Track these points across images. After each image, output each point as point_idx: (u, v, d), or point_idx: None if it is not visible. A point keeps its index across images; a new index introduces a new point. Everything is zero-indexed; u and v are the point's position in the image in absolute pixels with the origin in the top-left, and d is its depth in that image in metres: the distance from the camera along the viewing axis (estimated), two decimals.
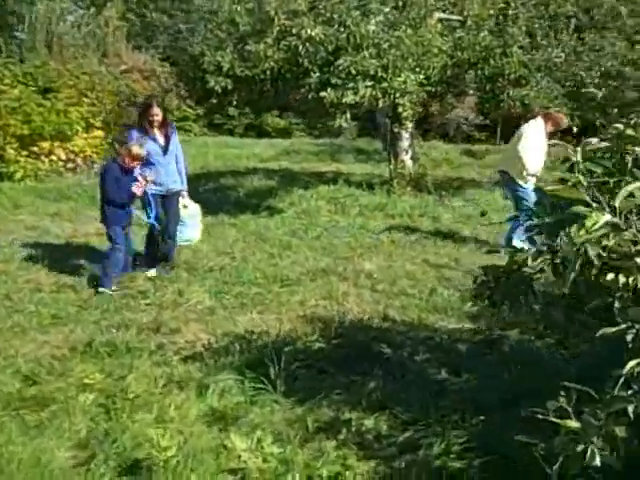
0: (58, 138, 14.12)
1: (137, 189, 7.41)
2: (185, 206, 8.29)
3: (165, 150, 7.96)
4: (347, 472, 3.62)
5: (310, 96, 10.63)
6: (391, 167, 13.54)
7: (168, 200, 8.04)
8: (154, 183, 7.75)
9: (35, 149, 14.02)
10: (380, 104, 10.59)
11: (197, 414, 4.22)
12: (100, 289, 7.15)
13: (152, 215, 7.91)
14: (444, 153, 21.15)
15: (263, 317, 6.52)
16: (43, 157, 14.10)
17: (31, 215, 11.25)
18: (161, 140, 7.99)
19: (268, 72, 11.16)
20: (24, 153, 13.94)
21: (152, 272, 7.91)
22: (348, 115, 10.55)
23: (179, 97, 26.94)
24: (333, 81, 10.27)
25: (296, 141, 27.62)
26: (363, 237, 10.13)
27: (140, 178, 7.47)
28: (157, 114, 7.89)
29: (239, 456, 3.65)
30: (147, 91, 20.42)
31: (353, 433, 4.08)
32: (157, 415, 4.28)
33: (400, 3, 11.68)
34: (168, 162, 7.97)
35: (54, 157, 14.24)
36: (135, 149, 7.53)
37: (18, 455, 3.70)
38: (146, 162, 7.73)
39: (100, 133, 15.01)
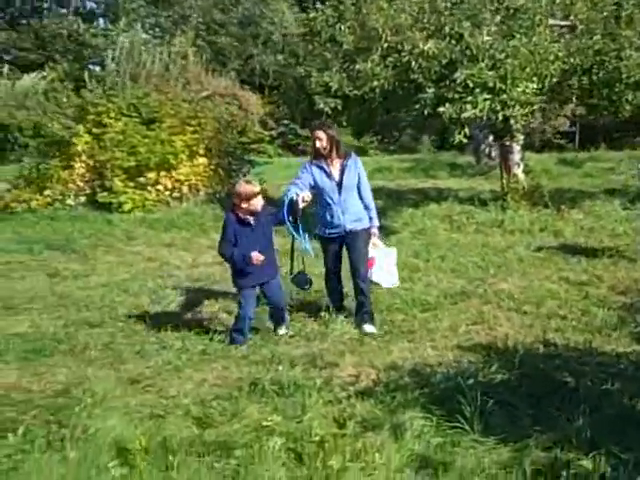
0: (163, 168, 14.14)
1: (255, 259, 6.22)
2: (376, 245, 7.10)
3: (339, 185, 6.88)
4: None
5: (426, 112, 10.34)
6: (504, 181, 13.16)
7: (350, 238, 6.94)
8: (328, 225, 6.93)
9: (142, 180, 14.07)
10: (500, 117, 10.24)
11: (400, 459, 3.91)
12: (232, 343, 6.47)
13: (306, 245, 6.73)
14: (539, 163, 20.55)
15: (417, 345, 6.25)
16: (149, 187, 14.13)
17: (147, 246, 11.27)
18: (335, 173, 6.91)
19: (377, 90, 10.95)
20: (131, 184, 14.03)
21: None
22: (467, 130, 10.24)
23: (263, 120, 27.14)
24: (450, 95, 9.99)
25: (381, 159, 27.39)
26: (489, 256, 9.77)
27: (254, 255, 6.21)
28: (320, 138, 6.83)
29: None
30: (235, 116, 20.47)
31: (572, 475, 3.73)
32: (351, 459, 4.00)
33: (511, 11, 11.29)
34: (345, 199, 6.88)
35: (160, 187, 14.24)
36: (242, 187, 6.36)
37: None
38: (320, 202, 6.92)
39: (204, 160, 14.97)
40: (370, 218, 7.02)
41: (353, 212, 6.91)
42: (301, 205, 6.42)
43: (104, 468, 3.84)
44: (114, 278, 9.27)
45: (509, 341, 6.14)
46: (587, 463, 3.83)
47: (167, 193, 14.28)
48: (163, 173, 14.22)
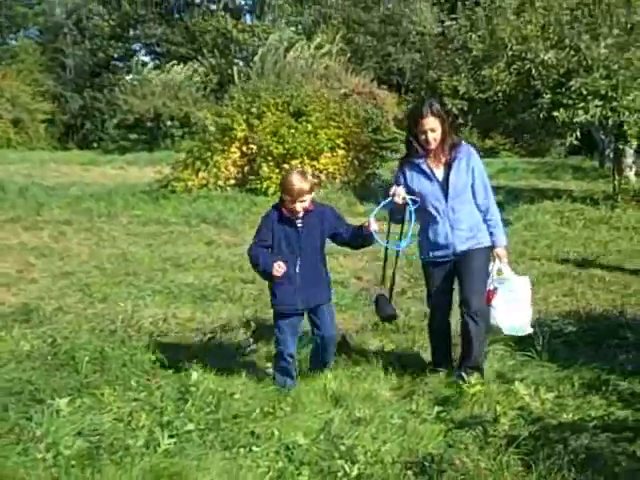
0: (308, 157, 15.92)
1: (277, 270, 4.78)
2: (501, 272, 5.19)
3: (445, 187, 5.07)
4: (611, 417, 4.60)
5: (541, 115, 11.55)
6: (615, 182, 14.13)
7: (462, 261, 5.13)
8: (432, 246, 5.17)
9: (286, 166, 15.89)
10: (610, 122, 11.32)
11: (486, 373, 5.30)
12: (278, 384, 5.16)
13: (404, 242, 5.16)
14: None
15: None
16: None
17: None
18: (439, 172, 5.10)
19: (500, 94, 12.22)
20: (277, 171, 15.88)
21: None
22: (578, 133, 11.39)
23: (397, 119, 28.50)
24: (565, 101, 11.17)
25: (509, 159, 28.32)
26: (591, 247, 10.89)
27: (276, 265, 4.78)
28: (432, 128, 4.98)
29: (522, 398, 4.73)
30: (371, 114, 21.96)
31: (611, 391, 5.05)
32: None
33: (628, 26, 12.31)
34: (454, 208, 5.07)
35: None
36: (291, 179, 4.78)
37: None
38: (420, 215, 5.12)
39: (343, 153, 16.73)
40: (491, 234, 5.17)
41: (467, 226, 5.10)
42: (399, 201, 5.01)
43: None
44: None
45: (588, 308, 7.39)
46: (623, 384, 5.15)
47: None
48: (307, 161, 15.98)
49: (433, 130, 4.99)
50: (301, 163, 15.71)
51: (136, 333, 6.37)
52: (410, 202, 5.01)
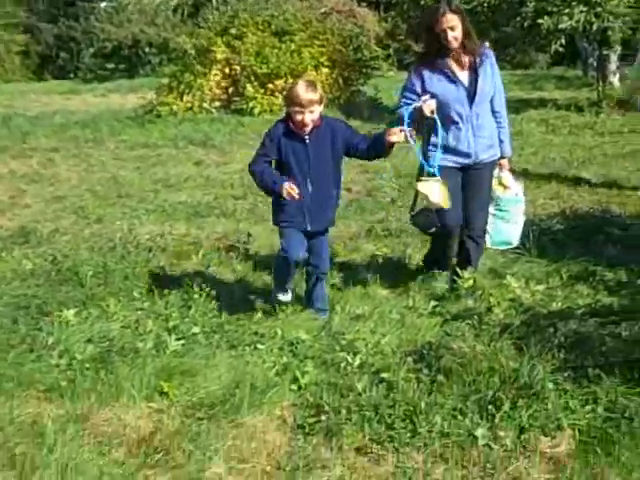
0: (291, 76, 15.83)
1: (288, 192, 4.32)
2: (503, 185, 5.14)
3: (472, 94, 4.79)
4: (598, 304, 4.82)
5: (525, 24, 11.52)
6: (599, 89, 14.18)
7: (474, 175, 4.96)
8: (450, 151, 4.84)
9: (271, 86, 15.83)
10: (594, 28, 11.32)
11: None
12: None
13: (434, 163, 4.74)
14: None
15: None
16: (277, 93, 15.88)
17: None
18: (463, 76, 4.80)
19: (485, 5, 12.15)
20: (261, 91, 15.83)
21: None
22: (563, 41, 11.39)
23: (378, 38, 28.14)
24: (549, 9, 11.14)
25: None
26: (577, 152, 11.03)
27: (287, 186, 4.32)
28: (452, 27, 4.63)
29: (513, 291, 4.92)
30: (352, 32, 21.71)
31: (598, 281, 5.26)
32: None
33: None
34: (478, 114, 4.82)
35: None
36: (297, 89, 4.34)
37: None
38: (439, 120, 4.68)
39: (327, 71, 16.67)
40: (501, 141, 5.05)
41: (488, 133, 4.92)
42: (428, 113, 4.62)
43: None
44: None
45: (575, 208, 7.58)
46: (609, 274, 5.36)
47: None
48: (290, 81, 15.88)
49: (453, 28, 4.64)
50: (285, 82, 15.64)
51: (135, 249, 6.49)
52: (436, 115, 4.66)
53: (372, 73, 19.25)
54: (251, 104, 15.63)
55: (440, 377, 3.70)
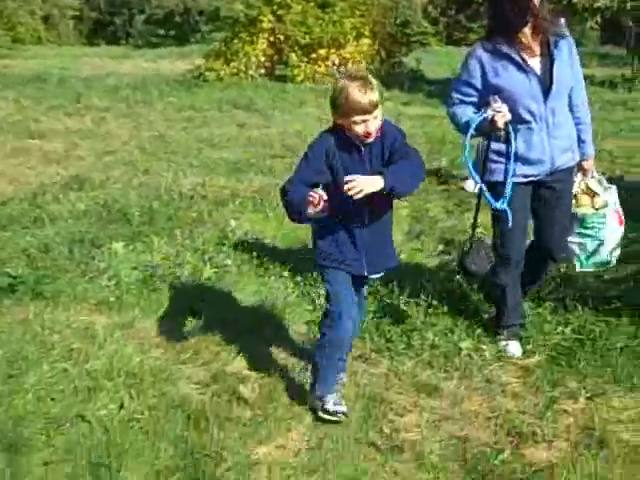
0: (334, 46, 16.41)
1: (312, 206, 3.03)
2: (592, 192, 3.94)
3: (547, 86, 3.64)
4: None
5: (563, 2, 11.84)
6: (633, 66, 14.43)
7: (554, 186, 3.79)
8: (521, 160, 3.66)
9: (314, 55, 16.40)
10: (628, 6, 11.59)
11: None
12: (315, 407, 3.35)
13: (505, 200, 3.64)
14: None
15: None
16: (320, 62, 16.46)
17: (316, 109, 13.55)
18: (535, 64, 3.65)
19: None
20: (304, 59, 16.45)
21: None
22: (598, 18, 11.68)
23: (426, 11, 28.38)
24: None
25: None
26: (604, 127, 11.39)
27: (316, 194, 2.99)
28: None
29: None
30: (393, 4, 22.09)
31: None
32: None
33: None
34: (554, 111, 3.65)
35: (329, 62, 16.60)
36: (353, 94, 3.05)
37: None
38: (511, 135, 3.61)
39: (368, 41, 17.20)
40: (583, 141, 3.86)
41: (565, 133, 3.75)
42: (501, 125, 3.55)
43: None
44: (289, 129, 11.63)
45: None
46: None
47: (334, 68, 16.55)
48: (332, 50, 16.48)
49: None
50: (327, 52, 16.20)
51: (178, 196, 7.15)
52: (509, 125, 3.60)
53: (414, 47, 19.72)
54: (294, 72, 16.25)
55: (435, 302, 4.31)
